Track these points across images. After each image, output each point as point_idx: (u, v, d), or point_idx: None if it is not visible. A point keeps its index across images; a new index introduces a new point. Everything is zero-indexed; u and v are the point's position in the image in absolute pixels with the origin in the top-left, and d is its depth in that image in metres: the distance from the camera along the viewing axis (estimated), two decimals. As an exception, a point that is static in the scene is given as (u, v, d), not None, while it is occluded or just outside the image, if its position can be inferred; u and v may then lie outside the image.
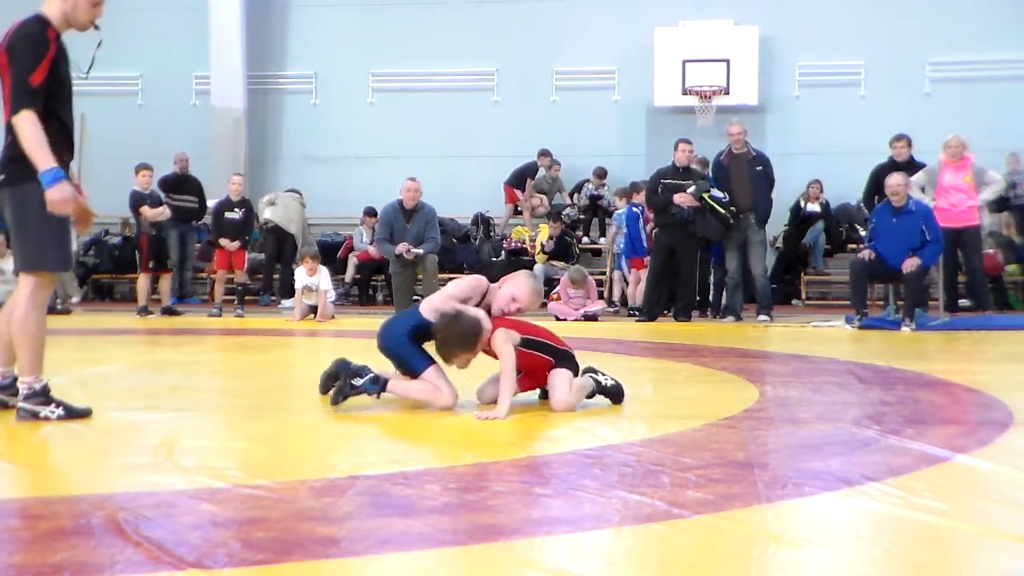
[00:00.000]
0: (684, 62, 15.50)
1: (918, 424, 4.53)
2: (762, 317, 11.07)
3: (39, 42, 4.42)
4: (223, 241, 12.44)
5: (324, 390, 5.15)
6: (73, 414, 4.52)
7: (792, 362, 7.36)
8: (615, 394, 5.14)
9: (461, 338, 4.79)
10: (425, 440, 4.38)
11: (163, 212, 12.59)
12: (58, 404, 4.52)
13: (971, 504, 3.17)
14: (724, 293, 11.78)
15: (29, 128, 4.32)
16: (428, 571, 2.53)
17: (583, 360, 5.31)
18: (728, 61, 15.43)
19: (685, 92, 15.53)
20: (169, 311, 12.32)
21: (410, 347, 4.98)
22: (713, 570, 2.54)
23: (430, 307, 5.02)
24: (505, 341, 4.83)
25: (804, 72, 15.91)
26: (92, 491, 3.25)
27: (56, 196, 4.31)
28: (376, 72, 16.89)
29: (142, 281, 12.44)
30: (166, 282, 12.57)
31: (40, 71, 4.37)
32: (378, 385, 4.93)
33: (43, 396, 4.51)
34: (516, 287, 5.12)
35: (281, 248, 14.62)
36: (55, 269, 4.59)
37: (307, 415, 4.90)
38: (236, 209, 12.60)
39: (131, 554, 2.55)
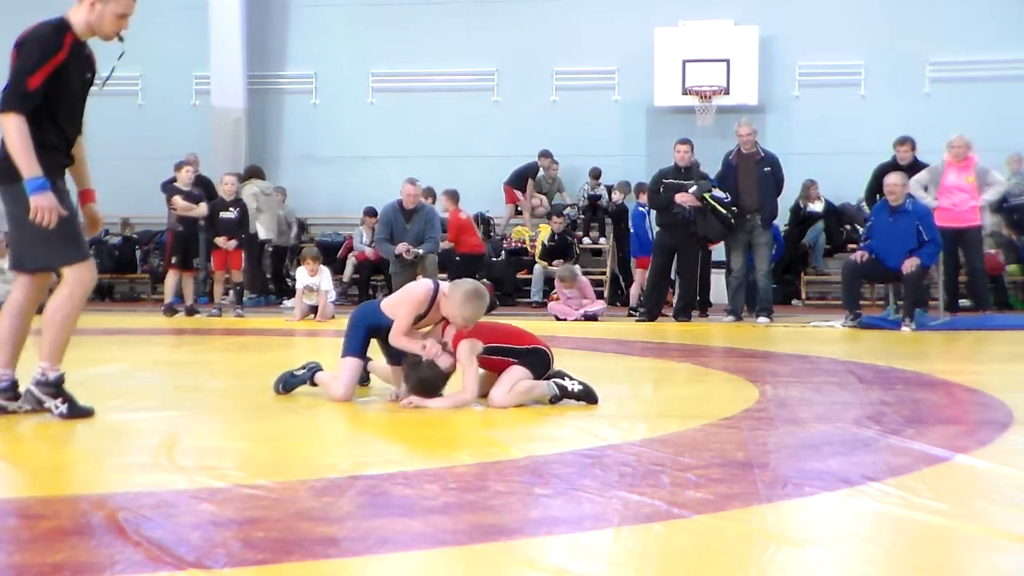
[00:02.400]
0: (684, 62, 15.49)
1: (918, 424, 4.53)
2: (762, 319, 11.06)
3: (49, 45, 4.36)
4: (219, 241, 12.43)
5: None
6: (76, 413, 4.49)
7: (792, 362, 7.35)
8: (585, 398, 5.07)
9: (424, 388, 4.94)
10: (425, 440, 4.38)
11: (196, 208, 12.45)
12: (65, 400, 4.48)
13: (971, 504, 3.17)
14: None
15: (14, 132, 4.28)
16: (428, 571, 2.53)
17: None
18: (728, 61, 15.42)
19: (685, 92, 15.52)
20: (191, 311, 12.29)
21: (354, 332, 5.24)
22: (713, 570, 2.54)
23: (388, 310, 5.16)
24: (469, 354, 4.94)
25: (804, 72, 15.90)
26: (92, 491, 3.25)
27: (42, 203, 4.28)
28: (376, 72, 16.88)
29: (169, 278, 12.46)
30: (189, 282, 12.54)
31: (39, 75, 4.32)
32: (311, 372, 5.37)
33: (54, 388, 4.48)
34: (451, 311, 4.96)
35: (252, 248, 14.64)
36: (72, 261, 4.47)
37: (307, 415, 4.90)
38: (231, 209, 12.59)
39: (131, 554, 2.55)
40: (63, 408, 4.47)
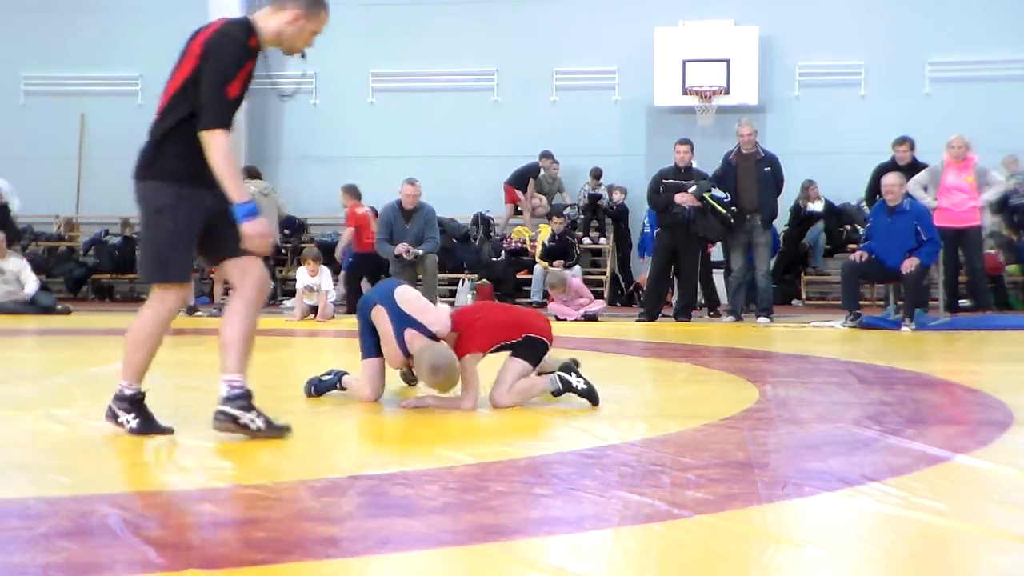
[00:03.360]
0: (684, 62, 15.49)
1: (918, 424, 4.53)
2: (762, 319, 11.07)
3: (241, 52, 4.02)
4: None
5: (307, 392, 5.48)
6: (149, 429, 4.16)
7: (792, 362, 7.36)
8: (588, 397, 5.08)
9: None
10: (425, 440, 4.38)
11: None
12: (139, 415, 4.17)
13: (971, 504, 3.17)
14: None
15: (222, 151, 3.93)
16: (428, 571, 2.53)
17: (578, 359, 5.32)
18: (728, 61, 15.43)
19: (685, 92, 15.52)
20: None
21: (366, 333, 5.21)
22: (713, 570, 2.54)
23: (376, 324, 5.14)
24: (471, 364, 4.97)
25: (804, 72, 15.91)
26: (92, 491, 3.25)
27: (255, 230, 3.97)
28: (376, 72, 16.89)
29: None
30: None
31: (236, 84, 3.97)
32: (337, 377, 5.40)
33: (127, 403, 4.17)
34: (419, 375, 4.99)
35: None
36: (161, 281, 4.17)
37: (307, 415, 4.90)
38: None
39: (131, 554, 2.54)
40: (134, 423, 4.15)
